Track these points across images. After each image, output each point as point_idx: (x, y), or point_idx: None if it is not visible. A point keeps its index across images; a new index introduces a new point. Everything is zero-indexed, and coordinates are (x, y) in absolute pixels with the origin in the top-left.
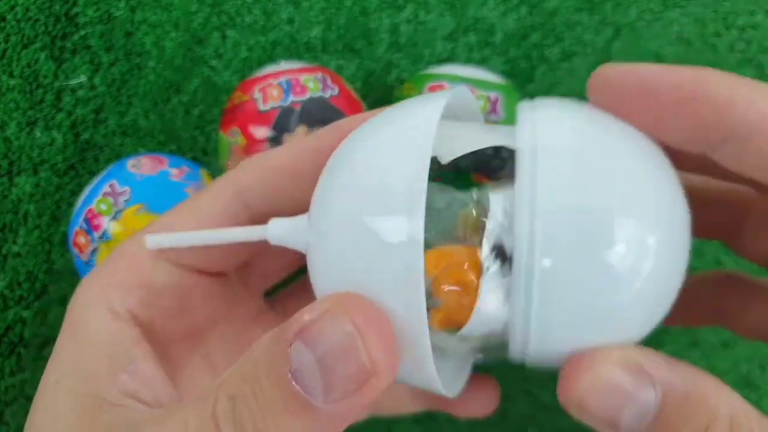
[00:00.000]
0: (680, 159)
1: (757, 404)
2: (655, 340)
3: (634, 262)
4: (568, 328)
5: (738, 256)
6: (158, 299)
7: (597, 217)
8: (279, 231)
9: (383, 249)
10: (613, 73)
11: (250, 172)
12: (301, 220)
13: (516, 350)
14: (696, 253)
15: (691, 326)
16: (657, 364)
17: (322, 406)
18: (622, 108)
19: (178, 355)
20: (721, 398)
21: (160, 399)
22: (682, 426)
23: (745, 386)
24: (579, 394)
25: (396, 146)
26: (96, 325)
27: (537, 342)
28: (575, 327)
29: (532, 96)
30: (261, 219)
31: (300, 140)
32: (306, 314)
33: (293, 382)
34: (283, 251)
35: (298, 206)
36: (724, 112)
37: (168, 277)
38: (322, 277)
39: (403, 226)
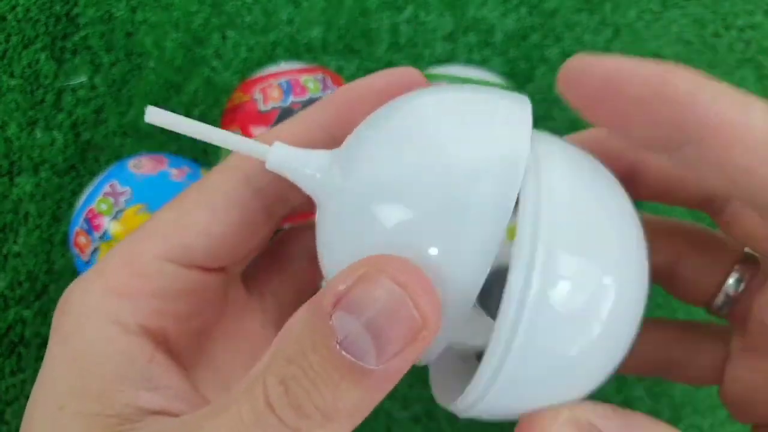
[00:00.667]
0: (638, 185)
1: None
2: None
3: (598, 310)
4: (534, 381)
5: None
6: (170, 306)
7: (587, 276)
8: (285, 158)
9: (461, 214)
10: (581, 65)
11: None
12: (320, 155)
13: (472, 396)
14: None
15: (640, 375)
16: (608, 419)
17: (376, 368)
18: (588, 101)
19: (188, 360)
20: None
21: (191, 410)
22: None
23: None
24: None
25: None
26: (102, 342)
27: (498, 392)
28: (540, 380)
29: (531, 95)
30: (272, 204)
31: (305, 115)
32: (340, 284)
33: (343, 352)
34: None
35: None
36: (686, 112)
37: (177, 280)
38: (350, 233)
39: (496, 190)
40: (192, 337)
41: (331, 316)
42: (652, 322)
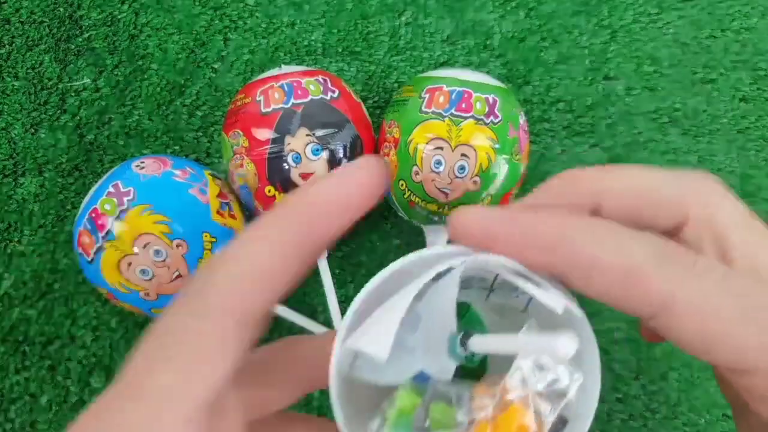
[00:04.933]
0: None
1: None
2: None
3: None
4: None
5: None
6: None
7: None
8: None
9: None
10: (460, 222)
11: (243, 292)
12: None
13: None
14: None
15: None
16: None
17: None
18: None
19: None
20: None
21: None
22: None
23: None
24: None
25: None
26: None
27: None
28: None
29: (528, 98)
30: (255, 329)
31: (274, 231)
32: None
33: None
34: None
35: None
36: (546, 256)
37: None
38: None
39: None
40: None
41: None
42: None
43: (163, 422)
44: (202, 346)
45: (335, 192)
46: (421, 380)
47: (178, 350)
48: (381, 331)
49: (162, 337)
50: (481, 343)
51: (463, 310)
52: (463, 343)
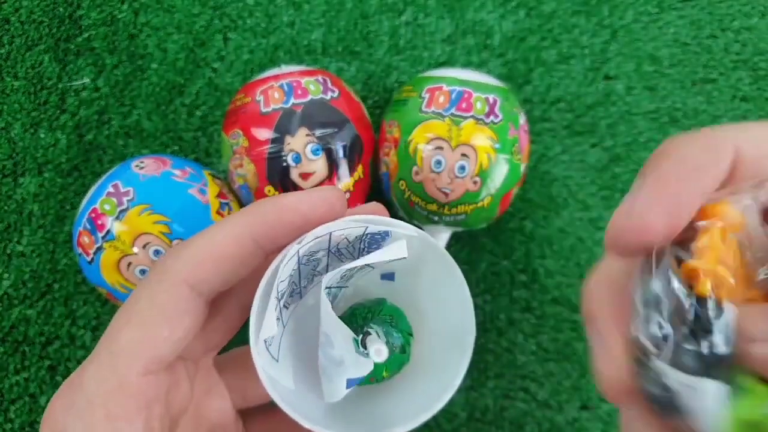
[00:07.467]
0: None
1: None
2: None
3: None
4: None
5: None
6: (155, 410)
7: None
8: None
9: None
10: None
11: (199, 265)
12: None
13: None
14: None
15: None
16: None
17: None
18: None
19: None
20: None
21: None
22: None
23: None
24: None
25: None
26: None
27: None
28: None
29: (529, 97)
30: (217, 301)
31: (237, 222)
32: None
33: None
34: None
35: (238, 280)
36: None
37: (157, 386)
38: None
39: None
40: (172, 423)
41: None
42: None
43: (122, 374)
44: (158, 309)
45: (294, 203)
46: (351, 386)
47: (138, 313)
48: (266, 321)
49: (127, 305)
50: (372, 344)
51: (379, 307)
52: (364, 344)
